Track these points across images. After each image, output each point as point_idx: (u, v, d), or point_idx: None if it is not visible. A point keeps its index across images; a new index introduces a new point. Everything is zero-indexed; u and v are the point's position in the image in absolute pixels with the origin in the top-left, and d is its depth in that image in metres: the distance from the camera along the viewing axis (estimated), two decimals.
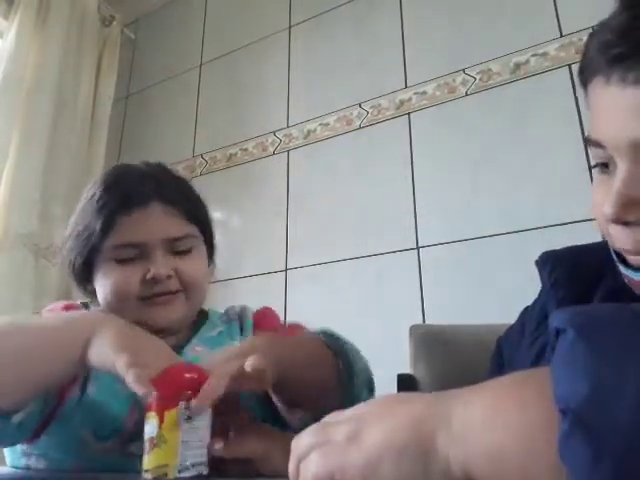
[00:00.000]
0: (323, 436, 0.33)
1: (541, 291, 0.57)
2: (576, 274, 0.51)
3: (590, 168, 1.28)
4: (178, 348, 0.72)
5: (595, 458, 0.22)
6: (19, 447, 0.68)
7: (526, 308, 0.60)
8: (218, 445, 0.52)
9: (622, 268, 0.44)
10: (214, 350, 0.74)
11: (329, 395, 0.65)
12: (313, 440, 0.33)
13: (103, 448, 0.64)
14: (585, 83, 0.45)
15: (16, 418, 0.58)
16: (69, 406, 0.65)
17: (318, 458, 0.32)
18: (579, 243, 0.57)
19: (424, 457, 0.28)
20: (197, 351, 0.74)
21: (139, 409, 0.64)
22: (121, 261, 0.70)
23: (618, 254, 0.44)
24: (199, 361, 0.68)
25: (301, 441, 0.34)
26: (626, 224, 0.41)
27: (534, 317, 0.55)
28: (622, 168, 0.41)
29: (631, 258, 0.42)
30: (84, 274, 0.74)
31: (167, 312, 0.71)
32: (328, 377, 0.66)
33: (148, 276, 0.69)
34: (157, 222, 0.71)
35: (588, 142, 0.45)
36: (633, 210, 0.40)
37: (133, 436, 0.63)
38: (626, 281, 0.45)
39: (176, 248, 0.72)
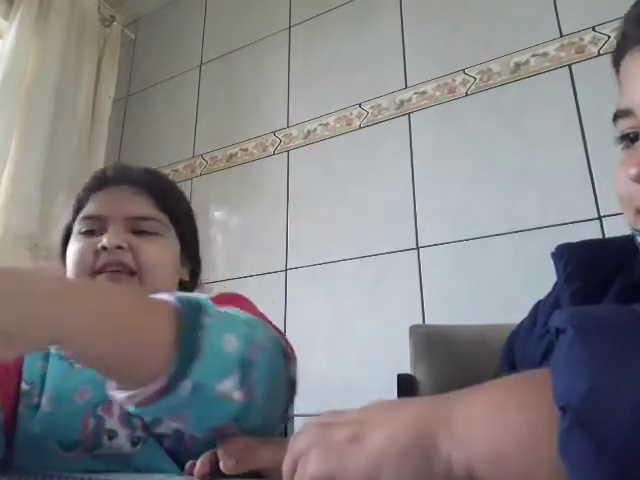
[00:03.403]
0: (323, 436, 0.32)
1: (555, 284, 0.56)
2: (591, 267, 0.51)
3: (590, 168, 1.28)
4: None
5: (595, 456, 0.22)
6: None
7: (538, 302, 0.60)
8: (230, 461, 0.52)
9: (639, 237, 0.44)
10: None
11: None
12: (312, 439, 0.33)
13: (71, 456, 0.63)
14: (618, 62, 0.46)
15: None
16: (26, 420, 0.63)
17: (317, 458, 0.31)
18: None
19: (426, 458, 0.28)
20: None
21: (94, 421, 0.63)
22: (84, 233, 0.71)
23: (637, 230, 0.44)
24: None
25: (299, 439, 0.34)
26: None
27: (547, 309, 0.55)
28: None
29: None
30: (63, 255, 0.74)
31: None
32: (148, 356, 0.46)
33: (99, 245, 0.68)
34: (123, 199, 0.73)
35: (616, 116, 0.45)
36: None
37: (94, 444, 0.62)
38: None
39: (139, 227, 0.71)
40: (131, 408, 0.48)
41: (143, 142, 2.17)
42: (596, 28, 1.36)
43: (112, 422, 0.63)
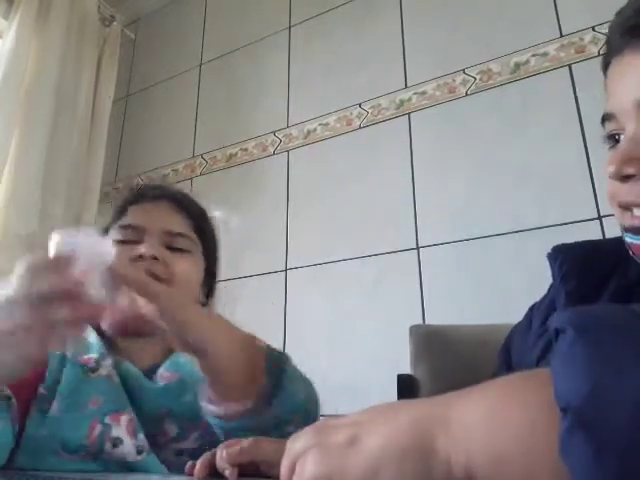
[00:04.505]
0: (321, 437, 0.32)
1: (551, 285, 0.57)
2: (587, 268, 0.51)
3: (590, 168, 1.28)
4: (153, 369, 0.73)
5: (596, 456, 0.22)
6: None
7: (533, 305, 0.61)
8: (233, 449, 0.52)
9: (628, 237, 0.45)
10: (178, 376, 0.71)
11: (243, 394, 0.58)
12: (310, 441, 0.33)
13: (76, 458, 0.63)
14: (606, 68, 0.48)
15: None
16: (33, 424, 0.64)
17: (316, 459, 0.31)
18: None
19: (425, 461, 0.28)
20: (164, 377, 0.72)
21: (101, 427, 0.64)
22: (121, 242, 0.74)
23: (626, 229, 0.46)
24: (166, 391, 0.69)
25: (297, 441, 0.33)
26: (628, 178, 0.43)
27: (542, 311, 0.56)
28: (629, 130, 0.44)
29: (636, 211, 0.44)
30: None
31: None
32: (250, 378, 0.58)
33: (135, 253, 0.71)
34: (161, 214, 0.77)
35: (603, 121, 0.47)
36: (633, 164, 0.42)
37: (97, 451, 0.63)
38: (631, 254, 0.45)
39: (173, 244, 0.75)
40: (213, 420, 0.60)
41: (143, 142, 2.17)
42: (596, 28, 1.36)
43: (119, 431, 0.65)
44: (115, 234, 0.76)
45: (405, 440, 0.29)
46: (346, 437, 0.31)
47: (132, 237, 0.75)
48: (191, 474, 0.55)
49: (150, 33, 2.37)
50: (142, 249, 0.71)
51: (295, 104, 1.83)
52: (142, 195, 0.81)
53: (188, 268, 0.75)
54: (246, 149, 1.88)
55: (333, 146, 1.70)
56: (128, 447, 0.64)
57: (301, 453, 0.32)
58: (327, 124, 1.73)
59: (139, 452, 0.64)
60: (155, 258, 0.71)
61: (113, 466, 0.64)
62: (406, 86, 1.62)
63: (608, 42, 0.48)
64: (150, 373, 0.73)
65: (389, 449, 0.29)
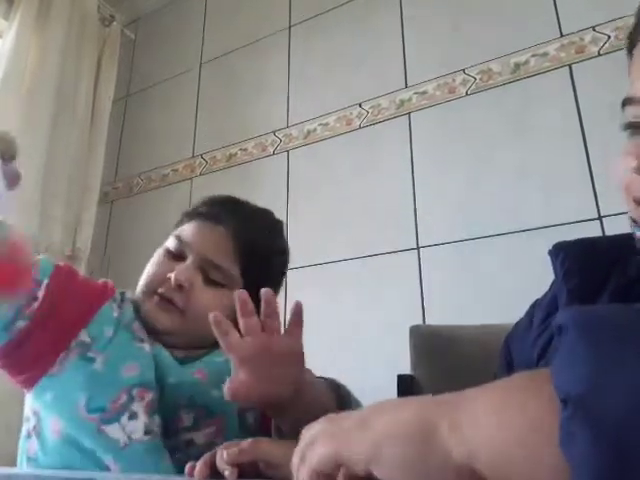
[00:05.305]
0: (333, 424, 0.34)
1: (553, 282, 0.56)
2: (588, 265, 0.51)
3: (590, 168, 1.28)
4: (189, 359, 0.75)
5: (594, 441, 0.22)
6: (25, 455, 0.70)
7: (535, 301, 0.60)
8: (233, 450, 0.52)
9: (638, 231, 0.44)
10: (212, 374, 0.73)
11: None
12: (323, 427, 0.35)
13: (89, 418, 0.65)
14: (631, 48, 0.45)
15: None
16: (74, 367, 0.68)
17: (325, 441, 0.33)
18: None
19: (426, 444, 0.29)
20: (197, 375, 0.73)
21: (126, 398, 0.66)
22: (168, 252, 0.76)
23: (634, 221, 0.44)
24: (195, 386, 0.71)
25: (311, 429, 0.36)
26: None
27: (543, 308, 0.55)
28: None
29: None
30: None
31: (158, 317, 0.73)
32: None
33: (168, 274, 0.73)
34: (210, 239, 0.75)
35: (626, 104, 0.44)
36: None
37: (114, 418, 0.65)
38: (638, 247, 0.45)
39: (209, 274, 0.74)
40: None
41: (142, 142, 2.17)
42: (596, 28, 1.36)
43: (139, 406, 0.67)
44: (170, 240, 0.77)
45: (409, 427, 0.30)
46: (355, 422, 0.33)
47: (178, 250, 0.75)
48: (191, 475, 0.55)
49: (150, 33, 2.37)
50: (173, 274, 0.72)
51: (295, 104, 1.83)
52: (208, 214, 0.78)
53: (210, 301, 0.73)
54: (246, 149, 1.88)
55: (333, 146, 1.70)
56: (140, 424, 0.66)
57: (312, 441, 0.34)
58: (327, 124, 1.73)
59: (147, 433, 0.66)
60: (181, 286, 0.72)
61: (107, 444, 0.65)
62: (406, 86, 1.62)
63: (637, 22, 0.45)
64: (182, 361, 0.74)
65: (394, 431, 0.30)
